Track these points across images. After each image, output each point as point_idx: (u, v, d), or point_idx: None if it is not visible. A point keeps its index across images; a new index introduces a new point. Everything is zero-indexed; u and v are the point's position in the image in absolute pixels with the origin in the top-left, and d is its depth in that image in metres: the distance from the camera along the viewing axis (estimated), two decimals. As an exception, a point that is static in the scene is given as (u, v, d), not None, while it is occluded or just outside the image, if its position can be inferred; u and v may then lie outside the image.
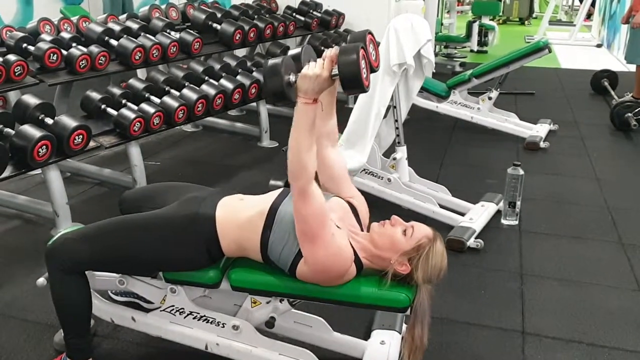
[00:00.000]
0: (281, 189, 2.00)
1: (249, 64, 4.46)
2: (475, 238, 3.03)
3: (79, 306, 1.90)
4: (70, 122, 2.96)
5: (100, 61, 3.49)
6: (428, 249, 1.80)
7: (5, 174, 2.73)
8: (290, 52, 1.80)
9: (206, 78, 4.01)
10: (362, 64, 1.62)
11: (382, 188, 3.36)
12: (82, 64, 3.38)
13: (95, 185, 3.73)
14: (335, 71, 1.63)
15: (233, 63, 4.33)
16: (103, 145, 3.22)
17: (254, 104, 4.42)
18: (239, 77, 4.11)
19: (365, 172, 3.38)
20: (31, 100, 3.04)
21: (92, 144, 3.16)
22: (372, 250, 1.84)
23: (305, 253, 1.76)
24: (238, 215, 1.86)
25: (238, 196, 1.98)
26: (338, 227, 1.82)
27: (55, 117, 2.99)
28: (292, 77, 1.66)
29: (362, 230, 1.96)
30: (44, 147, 2.79)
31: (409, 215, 3.23)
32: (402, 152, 3.38)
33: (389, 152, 3.51)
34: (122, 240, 1.87)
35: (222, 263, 1.96)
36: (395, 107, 3.31)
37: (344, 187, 2.04)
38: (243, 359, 1.99)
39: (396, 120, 3.34)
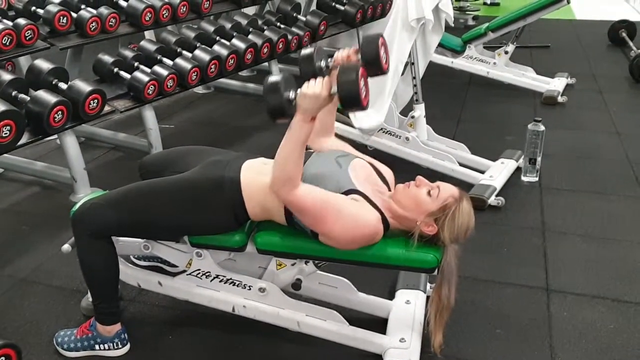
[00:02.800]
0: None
1: (260, 22, 4.36)
2: (496, 196, 3.00)
3: (107, 271, 1.90)
4: (84, 86, 2.92)
5: (110, 23, 3.41)
6: (454, 208, 1.78)
7: (23, 140, 2.71)
8: (304, 53, 1.82)
9: (217, 38, 3.93)
10: (362, 83, 1.60)
11: (400, 147, 3.32)
12: (93, 26, 3.31)
13: (111, 150, 3.72)
14: (335, 89, 1.63)
15: (244, 22, 4.23)
16: (118, 109, 3.19)
17: (266, 63, 4.35)
18: (250, 37, 4.03)
19: (383, 132, 3.34)
20: (44, 65, 3.00)
21: (106, 108, 3.12)
22: (397, 211, 1.82)
23: (320, 234, 1.76)
24: (263, 178, 1.84)
25: (262, 160, 1.96)
26: (359, 191, 1.79)
27: (70, 82, 2.95)
28: (291, 95, 1.66)
29: (389, 190, 1.93)
30: (60, 112, 2.77)
31: (428, 174, 3.16)
32: (420, 110, 3.32)
33: (406, 110, 3.46)
34: (149, 204, 1.86)
35: (247, 226, 1.96)
36: (412, 63, 3.25)
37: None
38: (270, 320, 2.00)
39: (414, 77, 3.28)
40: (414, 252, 1.81)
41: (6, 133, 2.55)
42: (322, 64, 1.85)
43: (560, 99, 4.48)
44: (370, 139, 3.38)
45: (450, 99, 4.67)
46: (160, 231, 1.93)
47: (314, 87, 1.63)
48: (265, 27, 4.31)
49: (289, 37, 4.31)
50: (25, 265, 2.49)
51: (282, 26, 4.47)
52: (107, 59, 3.35)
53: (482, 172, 3.22)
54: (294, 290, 1.99)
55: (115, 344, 1.97)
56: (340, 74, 1.61)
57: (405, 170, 3.21)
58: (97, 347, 1.97)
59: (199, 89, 4.86)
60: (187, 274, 2.03)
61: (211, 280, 2.02)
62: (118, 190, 1.92)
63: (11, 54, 2.99)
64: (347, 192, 1.77)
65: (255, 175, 1.86)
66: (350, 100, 1.62)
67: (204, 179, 1.87)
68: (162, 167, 2.09)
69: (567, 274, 2.44)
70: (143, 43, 3.59)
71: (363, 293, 2.15)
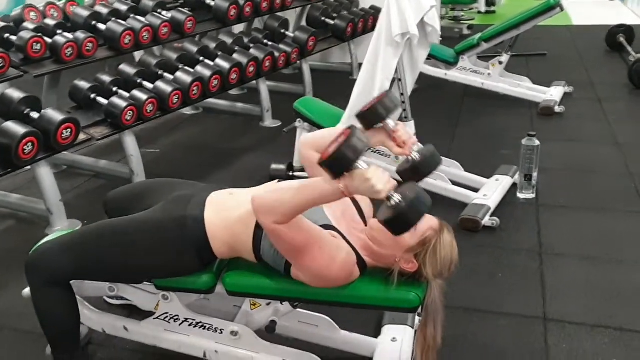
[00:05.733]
0: (276, 181, 1.83)
1: (246, 40, 4.26)
2: (491, 216, 2.86)
3: (64, 320, 1.77)
4: (56, 115, 2.81)
5: (87, 48, 3.31)
6: (435, 241, 1.64)
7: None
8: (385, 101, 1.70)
9: (201, 59, 3.83)
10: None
11: (389, 167, 3.17)
12: (68, 52, 3.21)
13: (92, 178, 3.60)
14: (394, 200, 1.45)
15: (229, 41, 4.13)
16: (94, 137, 3.08)
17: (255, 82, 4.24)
18: (235, 56, 3.92)
19: (372, 151, 3.20)
20: (15, 94, 2.89)
21: (82, 136, 3.01)
22: (373, 249, 1.68)
23: (295, 267, 1.63)
24: (228, 214, 1.71)
25: (228, 191, 1.83)
26: (334, 228, 1.66)
27: (41, 112, 2.84)
28: (360, 164, 1.43)
29: (365, 225, 1.79)
30: (30, 143, 2.65)
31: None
32: (409, 128, 3.19)
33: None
34: (105, 248, 1.73)
35: (217, 265, 1.82)
36: (400, 79, 3.12)
37: None
38: (245, 367, 1.86)
39: (402, 94, 3.14)
40: (394, 292, 1.67)
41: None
42: (389, 121, 1.72)
43: (557, 109, 4.33)
44: (358, 159, 3.24)
45: (444, 112, 4.53)
46: (120, 275, 1.80)
47: (379, 182, 1.42)
48: (251, 45, 4.21)
49: (276, 54, 4.20)
50: (-8, 308, 2.37)
51: (269, 43, 4.36)
52: (84, 84, 3.24)
53: (477, 190, 3.08)
54: (268, 333, 1.85)
55: (77, 396, 1.84)
56: (408, 201, 1.43)
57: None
58: (58, 399, 1.84)
59: (187, 110, 4.74)
60: (154, 318, 1.90)
61: (180, 324, 1.88)
62: (74, 232, 1.80)
63: (-19, 84, 2.89)
64: (322, 228, 1.64)
65: (221, 211, 1.73)
66: (399, 225, 1.47)
67: (166, 218, 1.74)
68: (127, 204, 1.96)
69: (565, 301, 2.30)
70: (122, 67, 3.49)
71: (346, 331, 2.01)
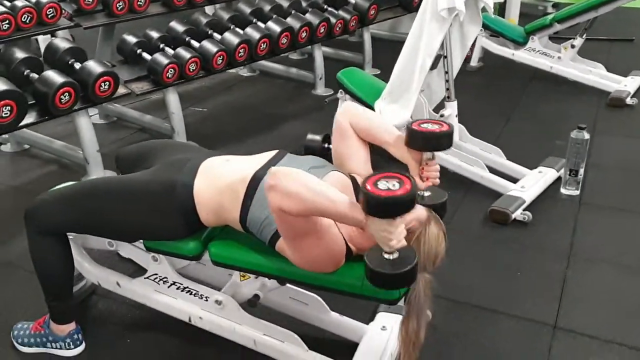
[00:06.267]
0: (275, 152, 1.79)
1: (304, 4, 4.18)
2: (525, 209, 2.69)
3: (56, 269, 1.82)
4: (96, 68, 2.86)
5: (139, 2, 3.34)
6: (419, 233, 1.55)
7: (28, 120, 2.69)
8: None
9: (254, 20, 3.79)
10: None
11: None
12: (120, 6, 3.25)
13: (137, 131, 3.68)
14: (392, 258, 1.37)
15: (286, 4, 4.06)
16: (134, 92, 3.12)
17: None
18: (288, 20, 3.85)
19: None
20: (61, 44, 2.96)
21: (122, 90, 3.07)
22: (359, 237, 1.61)
23: (288, 250, 1.57)
24: (218, 181, 1.68)
25: (224, 157, 1.79)
26: None
27: (83, 63, 2.90)
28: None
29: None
30: (67, 93, 2.72)
31: (456, 179, 2.94)
32: (451, 109, 3.03)
33: (441, 106, 3.18)
34: (96, 204, 1.75)
35: (207, 233, 1.81)
36: (445, 57, 2.96)
37: (354, 164, 1.81)
38: (226, 335, 1.86)
39: (446, 72, 2.99)
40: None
41: (6, 113, 2.53)
42: (428, 154, 1.69)
43: (629, 100, 4.00)
44: (396, 136, 3.13)
45: (505, 93, 4.30)
46: (110, 232, 1.83)
47: (396, 237, 1.34)
48: (309, 9, 4.12)
49: (333, 20, 4.09)
50: (13, 249, 2.47)
51: (328, 9, 4.26)
52: (131, 39, 3.28)
53: (516, 180, 2.91)
54: (249, 306, 1.83)
55: (67, 344, 1.90)
56: (396, 274, 1.35)
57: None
58: (48, 345, 1.91)
59: (244, 71, 4.75)
60: (144, 277, 1.92)
61: (168, 287, 1.90)
62: (71, 186, 1.83)
63: (32, 32, 2.98)
64: None
65: (212, 178, 1.70)
66: (373, 281, 1.40)
67: (157, 181, 1.74)
68: (134, 162, 1.98)
69: (582, 311, 2.14)
70: (172, 24, 3.50)
71: (336, 313, 1.96)
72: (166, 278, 1.89)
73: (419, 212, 1.58)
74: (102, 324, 2.07)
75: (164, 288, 1.90)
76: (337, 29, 4.16)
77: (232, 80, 4.62)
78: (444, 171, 2.99)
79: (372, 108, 3.13)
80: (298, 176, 1.43)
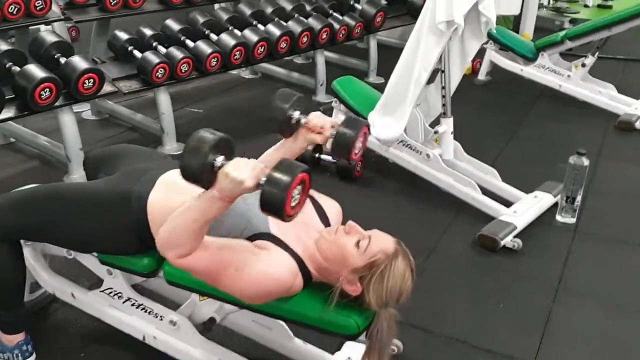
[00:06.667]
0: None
1: (308, 8, 4.07)
2: (516, 236, 2.57)
3: (4, 278, 1.73)
4: (80, 64, 2.78)
5: (134, -1, 3.26)
6: (384, 267, 1.44)
7: (7, 115, 2.62)
8: (282, 91, 1.63)
9: (254, 22, 3.70)
10: (295, 192, 1.29)
11: (419, 164, 2.94)
12: (114, 0, 3.17)
13: (127, 130, 3.60)
14: (263, 181, 1.30)
15: (289, 7, 3.96)
16: (121, 90, 3.04)
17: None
18: (290, 23, 3.75)
19: (403, 144, 2.97)
20: (48, 37, 2.88)
21: (109, 88, 2.99)
22: (319, 262, 1.50)
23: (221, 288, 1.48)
24: (172, 197, 1.57)
25: None
26: (272, 236, 1.50)
27: (68, 58, 2.82)
28: (217, 162, 1.32)
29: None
30: (47, 89, 2.64)
31: (447, 199, 2.82)
32: (446, 125, 2.92)
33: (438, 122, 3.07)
34: (49, 212, 1.66)
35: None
36: (443, 71, 2.84)
37: None
38: (180, 358, 1.76)
39: (443, 87, 2.87)
40: (331, 313, 1.49)
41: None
42: (295, 114, 1.61)
43: (639, 124, 3.85)
44: (388, 150, 3.02)
45: (510, 111, 4.16)
46: (62, 242, 1.74)
47: (241, 172, 1.28)
48: (313, 14, 4.02)
49: (336, 26, 3.99)
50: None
51: (333, 14, 4.15)
52: (123, 35, 3.21)
53: (510, 204, 2.78)
54: (206, 330, 1.73)
55: (15, 355, 1.81)
56: (275, 172, 1.29)
57: (423, 191, 2.88)
58: (-4, 355, 1.82)
59: (245, 73, 4.67)
60: (100, 290, 1.82)
61: (123, 302, 1.80)
62: (26, 191, 1.74)
63: (19, 24, 2.90)
64: (255, 237, 1.49)
65: (166, 193, 1.60)
66: (270, 208, 1.30)
67: (111, 191, 1.64)
68: (98, 167, 1.89)
69: (564, 349, 2.01)
70: (168, 22, 3.41)
71: (301, 340, 1.85)
72: (121, 293, 1.79)
73: (386, 244, 1.47)
74: (58, 334, 1.98)
75: (118, 303, 1.81)
76: (341, 35, 4.05)
77: (232, 82, 4.53)
78: (436, 190, 2.92)
79: (365, 119, 3.03)
80: (162, 229, 1.40)
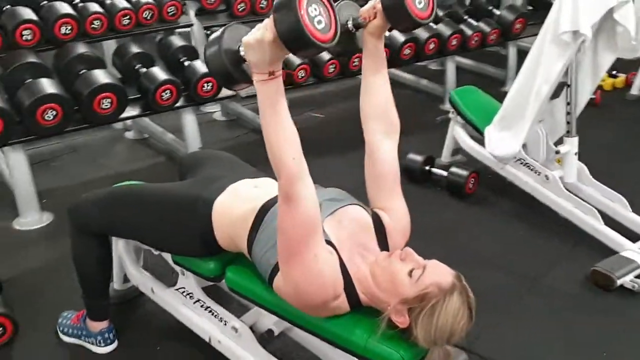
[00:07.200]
0: None
1: (440, 13, 3.93)
2: (638, 276, 2.26)
3: (90, 267, 1.86)
4: (201, 68, 2.91)
5: (261, 5, 3.37)
6: (435, 301, 1.32)
7: (130, 113, 2.82)
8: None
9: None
10: (311, 11, 1.15)
11: (536, 186, 2.70)
12: (241, 7, 3.31)
13: (250, 132, 3.71)
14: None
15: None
16: (239, 94, 3.14)
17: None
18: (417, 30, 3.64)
19: (521, 163, 2.75)
20: (175, 41, 3.07)
21: (227, 91, 3.10)
22: (370, 286, 1.42)
23: (281, 268, 1.42)
24: (234, 207, 1.59)
25: (254, 182, 1.69)
26: (333, 246, 1.42)
27: (190, 62, 2.97)
28: (241, 50, 1.25)
29: (387, 255, 1.52)
30: (168, 91, 2.80)
31: (565, 227, 2.56)
32: (570, 145, 2.64)
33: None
34: (127, 211, 1.75)
35: (231, 255, 1.72)
36: (569, 85, 2.58)
37: (383, 195, 1.60)
38: (240, 365, 1.76)
39: (568, 103, 2.61)
40: (376, 343, 1.40)
41: (106, 105, 2.65)
42: (350, 23, 1.46)
43: None
44: (504, 168, 2.81)
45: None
46: (138, 239, 1.82)
47: (255, 32, 1.22)
48: (445, 19, 3.87)
49: (468, 32, 3.80)
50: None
51: (468, 20, 3.97)
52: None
53: (638, 239, 2.45)
54: (263, 341, 1.71)
55: (98, 341, 1.94)
56: (276, 10, 1.17)
57: (541, 216, 2.64)
58: (83, 338, 1.96)
59: (375, 79, 4.60)
60: (175, 289, 1.89)
61: (194, 303, 1.85)
62: (110, 189, 1.85)
63: (152, 29, 3.12)
64: None
65: (231, 202, 1.61)
66: (293, 39, 1.15)
67: (182, 194, 1.70)
68: (187, 170, 1.97)
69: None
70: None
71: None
72: (192, 294, 1.84)
73: (442, 277, 1.35)
74: (141, 325, 2.09)
75: (189, 303, 1.86)
76: (473, 41, 3.86)
77: (358, 88, 4.48)
78: (555, 216, 2.65)
79: (482, 133, 2.85)
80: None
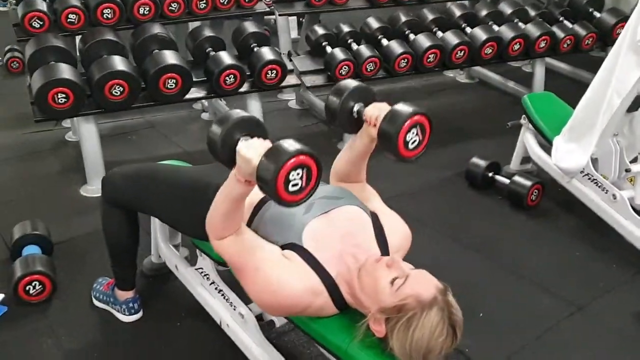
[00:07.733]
0: None
1: (532, 13, 3.72)
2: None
3: (117, 238, 1.94)
4: (266, 54, 2.95)
5: (341, -5, 3.34)
6: (412, 315, 1.26)
7: (195, 95, 2.91)
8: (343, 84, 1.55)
9: (462, 25, 3.51)
10: (292, 176, 1.23)
11: (602, 205, 2.50)
12: (318, -4, 3.29)
13: (319, 123, 3.71)
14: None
15: (508, 11, 3.66)
16: (304, 84, 3.15)
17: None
18: (501, 28, 3.47)
19: (589, 178, 2.55)
20: (248, 27, 3.12)
21: (292, 80, 3.13)
22: (355, 290, 1.38)
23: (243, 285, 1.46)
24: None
25: None
26: (302, 248, 1.42)
27: (259, 48, 3.01)
28: (240, 141, 1.34)
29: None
30: (232, 76, 2.86)
31: (630, 252, 2.36)
32: (643, 172, 2.42)
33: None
34: (149, 188, 1.81)
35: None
36: (646, 99, 2.36)
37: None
38: (244, 351, 1.78)
39: (645, 119, 2.39)
40: (354, 348, 1.36)
41: (171, 85, 2.75)
42: (356, 107, 1.52)
43: None
44: (570, 181, 2.63)
45: None
46: (158, 217, 1.88)
47: (250, 150, 1.28)
48: (537, 19, 3.66)
49: (560, 35, 3.57)
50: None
51: (563, 21, 3.73)
52: (319, 30, 3.31)
53: None
54: (263, 330, 1.71)
55: (123, 309, 2.03)
56: (270, 154, 1.24)
57: (606, 236, 2.44)
58: (110, 305, 2.06)
59: (462, 77, 4.46)
60: (195, 268, 1.94)
61: (210, 284, 1.89)
62: (138, 165, 1.94)
63: (227, 13, 3.20)
64: (284, 247, 1.43)
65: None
66: (262, 187, 1.27)
67: (197, 179, 1.73)
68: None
69: None
70: (368, 20, 3.43)
71: None
72: (208, 275, 1.88)
73: (423, 289, 1.28)
74: (168, 299, 2.16)
75: (206, 284, 1.90)
76: (565, 45, 3.62)
77: (444, 85, 4.38)
78: (620, 239, 2.44)
79: (551, 143, 2.68)
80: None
